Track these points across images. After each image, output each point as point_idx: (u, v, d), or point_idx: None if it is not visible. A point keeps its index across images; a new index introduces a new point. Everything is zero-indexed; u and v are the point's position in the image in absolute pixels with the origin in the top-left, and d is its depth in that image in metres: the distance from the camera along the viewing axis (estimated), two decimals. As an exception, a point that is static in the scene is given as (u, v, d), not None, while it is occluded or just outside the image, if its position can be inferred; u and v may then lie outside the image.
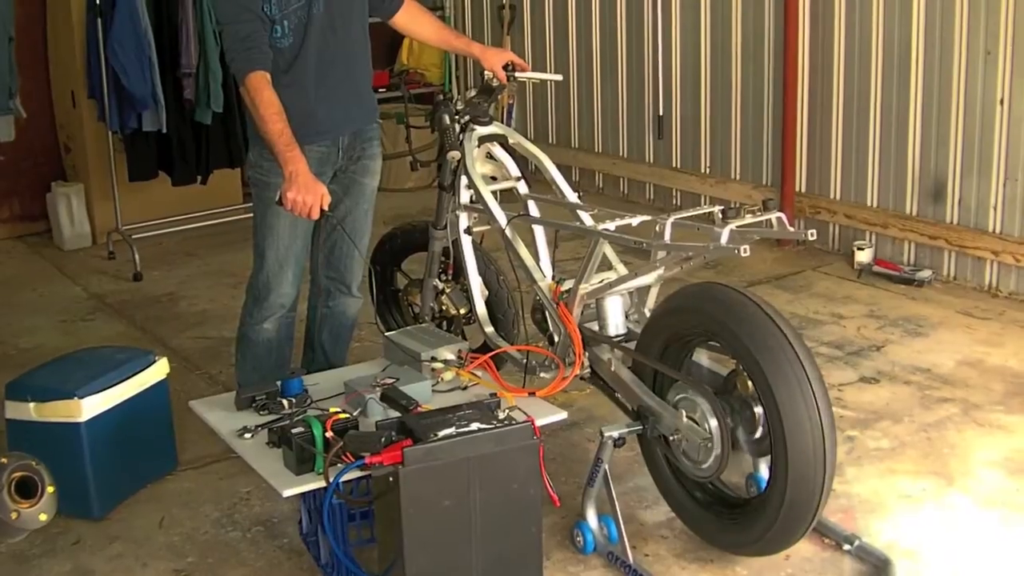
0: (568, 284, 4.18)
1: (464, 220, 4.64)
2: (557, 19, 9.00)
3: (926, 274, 6.53)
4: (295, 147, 4.11)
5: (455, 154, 4.57)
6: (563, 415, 3.91)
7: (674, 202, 8.22)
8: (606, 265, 4.18)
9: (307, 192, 4.06)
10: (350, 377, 4.06)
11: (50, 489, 4.09)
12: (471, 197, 4.59)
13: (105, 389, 4.28)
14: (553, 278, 4.35)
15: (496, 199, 4.49)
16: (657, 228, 3.74)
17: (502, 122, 5.26)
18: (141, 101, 7.14)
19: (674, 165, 8.23)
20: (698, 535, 3.96)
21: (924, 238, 6.59)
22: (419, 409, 3.66)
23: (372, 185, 4.71)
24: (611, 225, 3.94)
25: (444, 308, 4.89)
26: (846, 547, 3.88)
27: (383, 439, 3.30)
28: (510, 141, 4.65)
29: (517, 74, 4.81)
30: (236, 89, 7.19)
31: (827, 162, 7.11)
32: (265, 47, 4.21)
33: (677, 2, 7.90)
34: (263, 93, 4.15)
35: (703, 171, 8.01)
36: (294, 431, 3.46)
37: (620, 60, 8.49)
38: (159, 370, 4.53)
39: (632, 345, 4.01)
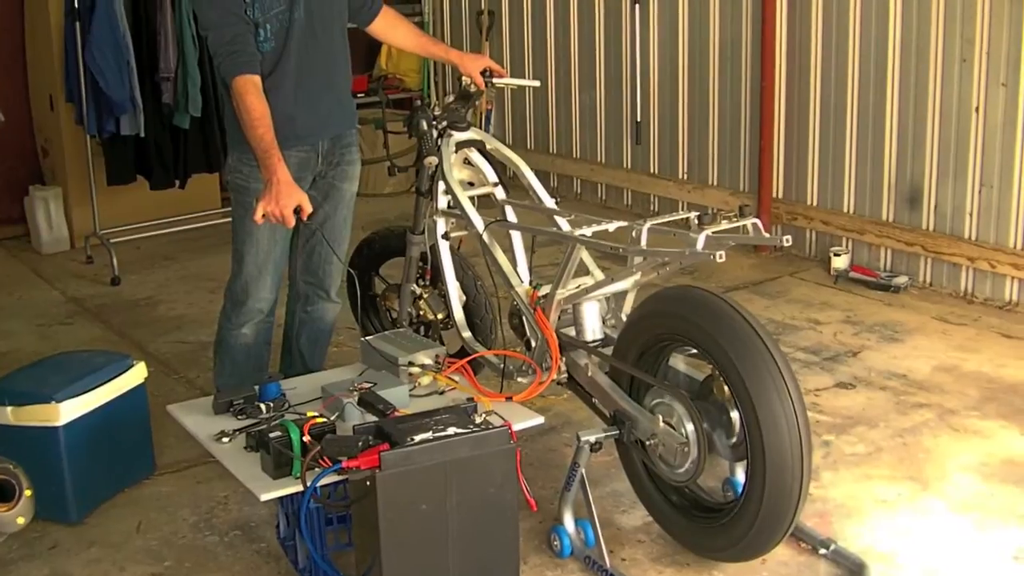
0: (545, 289, 4.19)
1: (442, 225, 4.65)
2: (535, 25, 9.01)
3: (902, 280, 6.57)
4: (275, 154, 4.10)
5: (433, 159, 4.59)
6: (540, 420, 3.91)
7: (652, 208, 8.24)
8: (583, 270, 4.19)
9: (278, 202, 4.05)
10: (328, 381, 4.06)
11: (27, 493, 4.10)
12: (449, 202, 4.60)
13: (83, 393, 4.27)
14: (530, 283, 4.37)
15: (474, 204, 4.50)
16: (634, 234, 3.76)
17: (480, 128, 5.28)
18: (119, 105, 7.12)
19: (652, 171, 8.25)
20: (675, 539, 3.97)
21: (900, 244, 6.62)
22: (396, 413, 3.67)
23: (351, 190, 4.71)
24: (588, 231, 3.95)
25: (422, 313, 4.90)
26: (822, 551, 3.90)
27: (360, 443, 3.31)
28: (488, 147, 4.66)
29: (495, 80, 4.83)
30: (215, 93, 7.22)
31: (804, 168, 7.14)
32: (251, 49, 4.21)
33: (655, 9, 7.92)
34: (246, 99, 4.14)
35: (680, 177, 8.03)
36: (272, 435, 3.45)
37: (598, 66, 8.51)
38: (137, 374, 4.53)
39: (609, 350, 4.02)
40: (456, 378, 4.09)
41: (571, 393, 4.32)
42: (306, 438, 3.43)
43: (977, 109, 6.12)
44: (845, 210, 6.94)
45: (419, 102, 4.80)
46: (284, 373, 4.77)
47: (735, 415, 3.62)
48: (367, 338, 4.36)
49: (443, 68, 9.85)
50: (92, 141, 7.51)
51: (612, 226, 3.99)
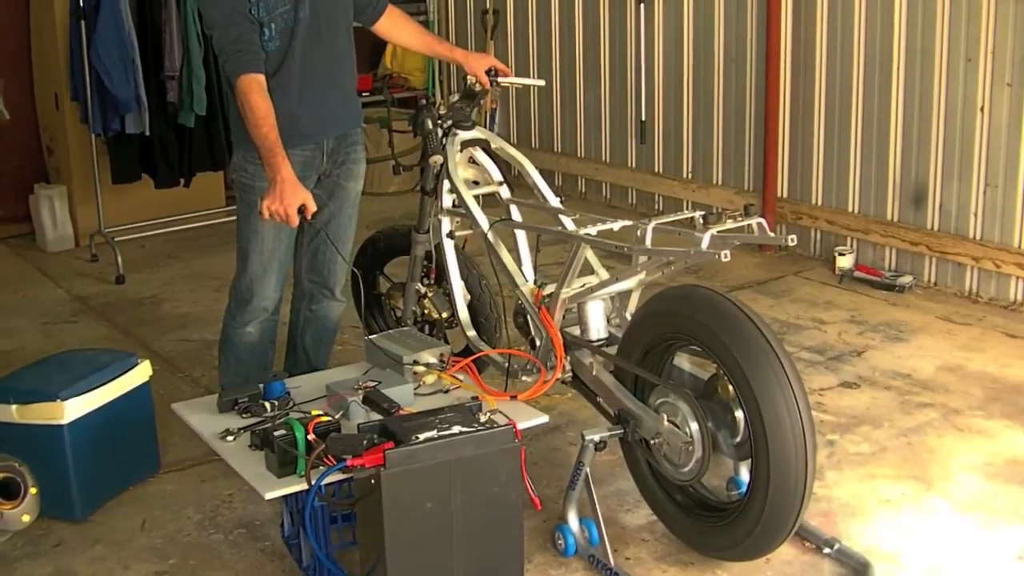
0: (550, 288, 4.19)
1: (446, 224, 4.65)
2: (540, 24, 9.01)
3: (907, 280, 6.56)
4: (279, 153, 4.11)
5: (437, 158, 4.59)
6: (545, 418, 3.92)
7: (656, 207, 8.24)
8: (588, 270, 4.19)
9: (283, 200, 4.07)
10: (332, 380, 4.07)
11: (32, 491, 4.11)
12: (453, 201, 4.61)
13: (88, 391, 4.28)
14: (535, 282, 4.37)
15: (478, 203, 4.50)
16: (638, 233, 3.76)
17: (485, 127, 5.28)
18: (124, 104, 7.13)
19: (656, 170, 8.24)
20: (679, 539, 3.97)
21: (905, 244, 6.62)
22: (401, 412, 3.67)
23: (356, 189, 4.71)
24: (593, 230, 3.95)
25: (426, 312, 4.91)
26: (826, 551, 3.90)
27: (365, 442, 3.31)
28: (492, 146, 4.66)
29: (500, 79, 4.83)
30: (219, 92, 7.22)
31: (809, 168, 7.14)
32: (256, 48, 4.21)
33: (660, 8, 7.92)
34: (250, 97, 4.15)
35: (685, 176, 8.03)
36: (276, 434, 3.46)
37: (603, 65, 8.51)
38: (142, 372, 4.53)
39: (613, 349, 4.03)
40: (460, 377, 4.10)
41: (576, 392, 4.33)
42: (311, 436, 3.43)
43: (982, 109, 6.12)
44: (850, 209, 6.94)
45: (424, 101, 4.77)
46: (289, 372, 4.77)
47: (739, 414, 3.61)
48: (371, 337, 4.37)
49: (448, 67, 9.85)
50: (97, 140, 7.51)
51: (617, 225, 3.99)
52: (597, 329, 4.15)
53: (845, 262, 6.82)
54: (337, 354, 5.20)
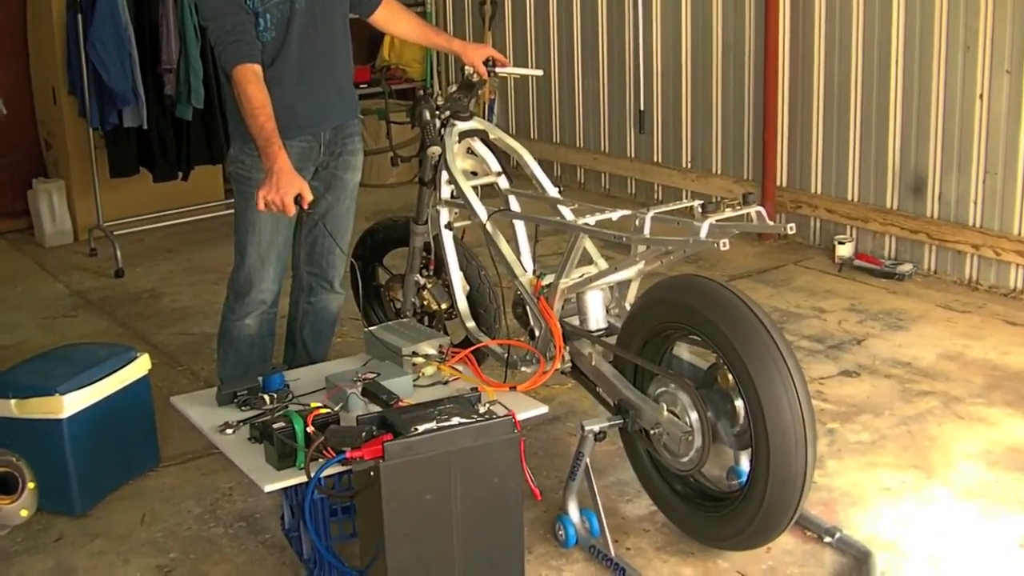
0: (549, 279, 4.18)
1: (445, 215, 4.64)
2: (538, 14, 9.00)
3: (907, 268, 6.55)
4: (276, 143, 4.10)
5: (436, 149, 4.58)
6: (544, 409, 3.91)
7: (655, 197, 8.24)
8: (587, 260, 4.19)
9: (279, 190, 4.05)
10: (331, 372, 4.06)
11: (31, 485, 4.12)
12: (452, 192, 4.60)
13: (87, 385, 4.27)
14: (534, 273, 4.35)
15: (477, 194, 4.49)
16: (637, 222, 3.76)
17: (483, 117, 5.26)
18: (122, 97, 7.13)
19: (655, 160, 8.24)
20: (680, 528, 3.97)
21: (905, 232, 6.61)
22: (400, 404, 3.66)
23: (353, 180, 4.71)
24: (591, 220, 3.94)
25: (426, 303, 4.90)
26: (827, 539, 3.89)
27: (364, 434, 3.30)
28: (491, 136, 4.65)
29: (498, 69, 4.82)
30: (217, 85, 7.22)
31: (808, 157, 7.13)
32: (252, 39, 4.20)
33: (658, -3, 7.93)
34: (247, 88, 4.14)
35: (684, 166, 8.02)
36: (275, 426, 3.45)
37: (601, 55, 8.50)
38: (141, 366, 4.53)
39: (613, 339, 4.02)
40: (460, 368, 4.08)
41: (575, 382, 4.32)
42: (310, 429, 3.43)
43: (981, 96, 6.11)
44: (849, 198, 6.93)
45: (422, 92, 4.78)
46: (288, 364, 4.76)
47: (739, 403, 3.61)
48: (371, 328, 4.36)
49: (446, 58, 9.85)
50: (95, 134, 7.52)
51: (615, 215, 3.99)
52: (596, 319, 4.14)
53: (845, 251, 6.81)
54: (336, 346, 5.20)
